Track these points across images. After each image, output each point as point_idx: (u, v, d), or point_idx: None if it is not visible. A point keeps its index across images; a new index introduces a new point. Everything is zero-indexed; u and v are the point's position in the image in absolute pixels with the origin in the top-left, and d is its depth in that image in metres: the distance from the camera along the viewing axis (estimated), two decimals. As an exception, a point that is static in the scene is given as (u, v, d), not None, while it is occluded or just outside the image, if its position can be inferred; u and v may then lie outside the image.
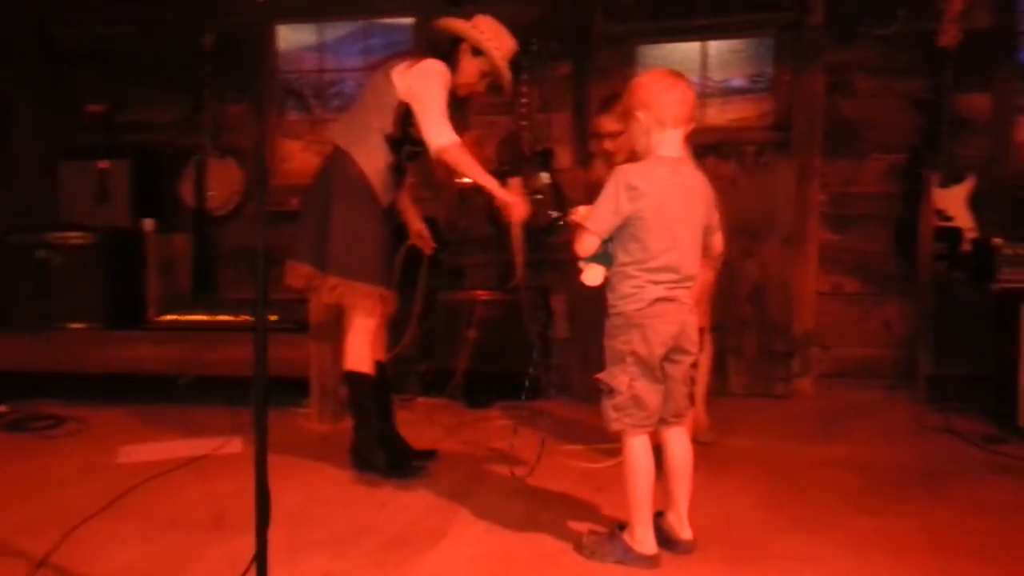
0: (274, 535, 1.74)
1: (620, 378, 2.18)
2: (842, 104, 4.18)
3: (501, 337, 3.97)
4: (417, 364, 4.01)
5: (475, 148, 3.51)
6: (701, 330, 2.48)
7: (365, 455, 2.91)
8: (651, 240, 2.15)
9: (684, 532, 2.26)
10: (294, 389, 3.60)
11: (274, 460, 1.74)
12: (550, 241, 4.21)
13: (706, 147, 3.95)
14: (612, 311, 2.22)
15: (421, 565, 2.19)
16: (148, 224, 4.38)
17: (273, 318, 3.80)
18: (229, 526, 2.43)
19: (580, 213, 2.24)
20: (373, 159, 2.84)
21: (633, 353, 2.15)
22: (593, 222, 2.19)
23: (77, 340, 4.06)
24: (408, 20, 4.68)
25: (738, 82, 4.40)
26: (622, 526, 2.24)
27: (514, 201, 2.79)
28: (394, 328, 3.41)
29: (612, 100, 3.04)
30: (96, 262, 4.16)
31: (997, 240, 3.47)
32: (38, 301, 4.14)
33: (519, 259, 4.00)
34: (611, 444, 2.97)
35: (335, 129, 2.98)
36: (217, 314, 4.11)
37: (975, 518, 2.50)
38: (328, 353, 3.56)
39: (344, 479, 2.88)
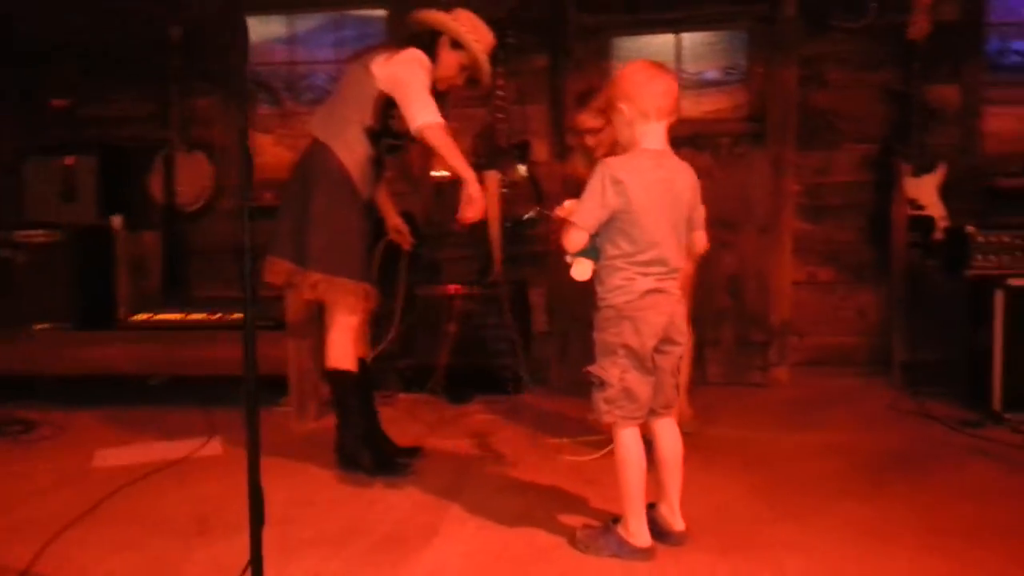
0: (264, 537, 1.71)
1: (611, 371, 2.17)
2: (815, 96, 4.22)
3: (480, 331, 3.96)
4: (397, 360, 3.98)
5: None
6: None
7: (350, 454, 2.86)
8: (639, 233, 2.14)
9: (677, 523, 2.26)
10: (271, 387, 3.53)
11: (257, 460, 1.71)
12: (528, 235, 4.19)
13: (681, 139, 3.93)
14: (602, 304, 2.21)
15: (416, 563, 2.16)
16: (116, 221, 4.26)
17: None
18: (213, 529, 2.38)
19: (566, 208, 2.22)
20: (353, 151, 2.78)
21: (625, 345, 2.15)
22: (580, 217, 2.17)
23: (46, 341, 3.95)
24: (380, 12, 4.62)
25: (712, 74, 4.42)
26: (616, 519, 2.24)
27: (478, 199, 2.66)
28: (374, 324, 3.37)
29: (589, 95, 3.03)
30: (64, 261, 4.06)
31: (970, 228, 3.54)
32: (4, 302, 4.02)
33: (497, 253, 3.99)
34: (596, 436, 2.99)
35: (313, 122, 2.91)
36: (189, 312, 4.02)
37: (959, 501, 2.54)
38: (307, 350, 3.52)
39: (330, 478, 2.84)
